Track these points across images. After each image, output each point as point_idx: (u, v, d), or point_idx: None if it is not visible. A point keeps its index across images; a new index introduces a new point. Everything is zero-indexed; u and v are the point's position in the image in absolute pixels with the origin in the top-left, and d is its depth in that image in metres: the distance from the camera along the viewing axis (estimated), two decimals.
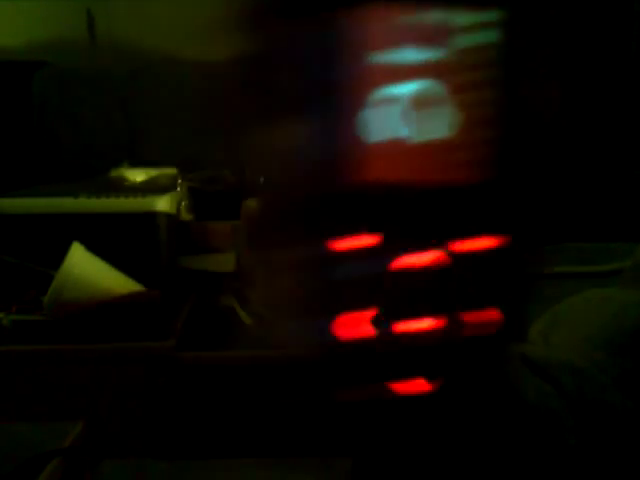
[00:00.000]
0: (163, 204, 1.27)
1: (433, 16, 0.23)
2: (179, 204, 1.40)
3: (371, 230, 0.24)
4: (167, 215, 1.29)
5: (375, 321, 0.25)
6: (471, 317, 0.25)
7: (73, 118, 1.84)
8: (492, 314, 0.26)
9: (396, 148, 0.23)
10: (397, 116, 0.23)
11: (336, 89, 0.22)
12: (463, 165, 0.24)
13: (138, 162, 1.61)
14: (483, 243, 0.25)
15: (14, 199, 1.28)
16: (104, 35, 1.83)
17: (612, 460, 0.39)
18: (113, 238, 1.23)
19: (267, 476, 0.75)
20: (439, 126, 0.24)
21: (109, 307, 1.13)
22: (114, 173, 1.52)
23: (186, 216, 1.44)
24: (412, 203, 0.24)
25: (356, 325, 0.25)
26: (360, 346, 0.25)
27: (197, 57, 1.79)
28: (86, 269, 1.14)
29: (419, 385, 0.26)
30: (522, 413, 0.37)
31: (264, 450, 1.02)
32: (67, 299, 1.12)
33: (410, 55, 0.23)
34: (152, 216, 1.25)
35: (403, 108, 0.23)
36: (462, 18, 0.23)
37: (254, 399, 1.11)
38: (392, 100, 0.23)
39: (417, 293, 0.25)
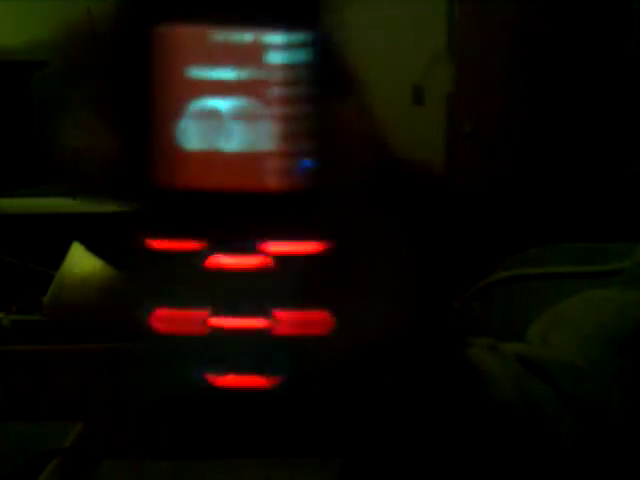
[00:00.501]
0: None
1: (248, 35, 0.25)
2: None
3: (194, 234, 0.26)
4: None
5: (197, 320, 0.27)
6: (292, 317, 0.28)
7: (73, 118, 1.84)
8: (316, 315, 0.28)
9: (213, 157, 0.26)
10: (212, 128, 0.26)
11: (153, 100, 0.25)
12: (279, 174, 0.26)
13: None
14: (302, 247, 0.27)
15: (14, 199, 1.28)
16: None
17: (611, 461, 0.39)
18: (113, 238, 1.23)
19: (267, 476, 0.75)
20: (254, 138, 0.26)
21: (109, 307, 1.13)
22: None
23: None
24: (234, 209, 0.26)
25: (179, 321, 0.27)
26: (183, 341, 0.27)
27: None
28: (86, 269, 1.14)
29: (253, 381, 0.29)
30: (519, 414, 0.37)
31: (264, 450, 1.02)
32: (67, 299, 1.12)
33: (230, 71, 0.25)
34: None
35: (219, 121, 0.25)
36: (274, 38, 0.26)
37: (254, 399, 1.11)
38: (207, 113, 0.25)
39: (239, 293, 0.27)
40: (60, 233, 1.20)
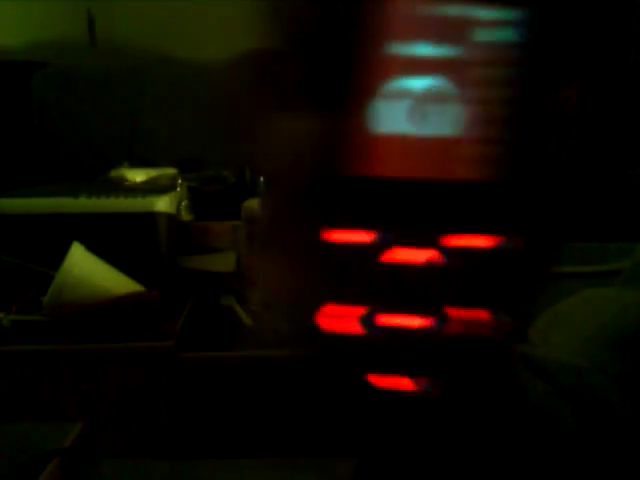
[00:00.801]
0: (163, 204, 1.27)
1: (454, 10, 0.23)
2: (179, 204, 1.40)
3: (368, 224, 0.24)
4: (167, 215, 1.29)
5: (364, 318, 0.25)
6: (462, 316, 0.25)
7: (73, 118, 1.84)
8: (485, 315, 0.25)
9: (404, 142, 0.23)
10: (408, 110, 0.23)
11: (349, 77, 0.22)
12: (471, 162, 0.24)
13: (138, 162, 1.62)
14: (480, 242, 0.24)
15: (14, 199, 1.28)
16: (104, 35, 1.83)
17: (612, 461, 0.39)
18: (113, 238, 1.23)
19: (267, 476, 0.75)
20: (451, 122, 0.23)
21: (109, 307, 1.13)
22: (114, 173, 1.52)
23: (186, 216, 1.45)
24: (411, 198, 0.24)
25: (344, 320, 0.25)
26: (346, 340, 0.25)
27: (196, 57, 1.79)
28: (86, 269, 1.14)
29: (403, 384, 0.26)
30: (523, 413, 0.37)
31: (264, 450, 1.02)
32: (67, 299, 1.12)
33: (428, 48, 0.23)
34: (152, 216, 1.25)
35: (415, 102, 0.23)
36: (482, 13, 0.23)
37: (254, 399, 1.11)
38: (404, 93, 0.23)
39: (408, 290, 0.25)
40: (60, 233, 1.20)
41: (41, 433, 0.78)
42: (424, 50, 0.23)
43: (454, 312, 0.25)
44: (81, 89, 1.84)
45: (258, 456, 0.80)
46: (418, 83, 0.23)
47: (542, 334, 0.47)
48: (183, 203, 1.43)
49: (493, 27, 0.23)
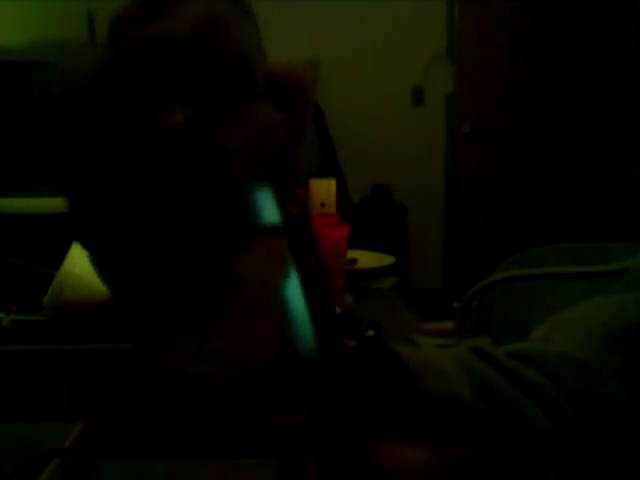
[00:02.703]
0: None
1: None
2: None
3: None
4: None
5: None
6: None
7: None
8: None
9: None
10: None
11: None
12: None
13: None
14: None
15: (14, 199, 1.28)
16: (104, 35, 1.83)
17: (612, 452, 0.39)
18: None
19: (267, 476, 0.75)
20: None
21: (109, 307, 1.13)
22: None
23: None
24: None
25: None
26: None
27: None
28: (86, 269, 1.14)
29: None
30: (480, 409, 0.37)
31: (264, 450, 1.02)
32: (67, 299, 1.12)
33: None
34: None
35: None
36: None
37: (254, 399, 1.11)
38: None
39: None
40: (60, 233, 1.20)
41: (41, 433, 0.78)
42: None
43: None
44: None
45: (257, 456, 0.80)
46: None
47: (544, 338, 0.47)
48: None
49: None
